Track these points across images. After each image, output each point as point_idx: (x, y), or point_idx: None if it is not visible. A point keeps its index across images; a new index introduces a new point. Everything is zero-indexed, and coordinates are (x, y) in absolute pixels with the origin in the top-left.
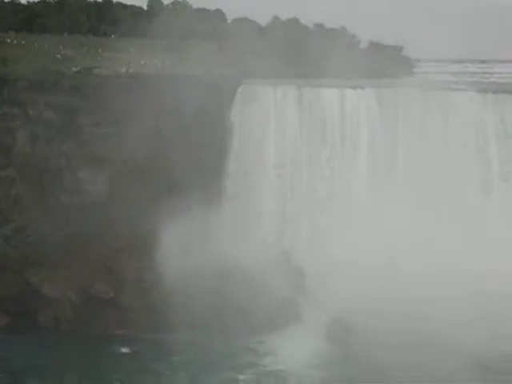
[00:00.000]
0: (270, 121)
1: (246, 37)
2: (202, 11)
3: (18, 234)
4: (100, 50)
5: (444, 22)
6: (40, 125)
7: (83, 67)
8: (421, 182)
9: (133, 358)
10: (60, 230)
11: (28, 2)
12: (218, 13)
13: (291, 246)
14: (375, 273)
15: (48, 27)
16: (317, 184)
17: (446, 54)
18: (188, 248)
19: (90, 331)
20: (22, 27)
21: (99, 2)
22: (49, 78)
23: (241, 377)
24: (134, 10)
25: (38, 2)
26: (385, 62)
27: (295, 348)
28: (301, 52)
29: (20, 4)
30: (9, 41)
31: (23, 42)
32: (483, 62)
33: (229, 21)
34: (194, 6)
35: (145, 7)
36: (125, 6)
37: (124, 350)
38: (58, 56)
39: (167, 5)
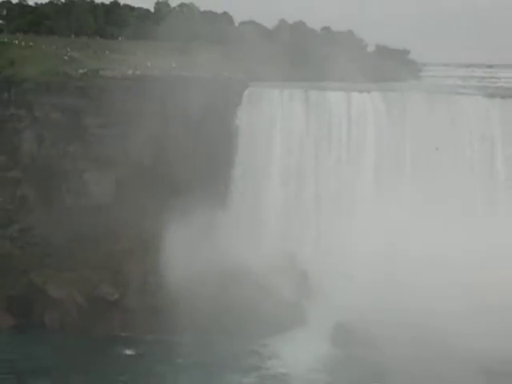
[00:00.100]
0: (276, 123)
1: (252, 40)
2: (209, 14)
3: (24, 234)
4: (107, 52)
5: (451, 26)
6: (46, 126)
7: (90, 69)
8: (427, 186)
9: (137, 360)
10: (65, 231)
11: (36, 3)
12: (225, 16)
13: (296, 250)
14: (380, 275)
15: (55, 29)
16: (323, 187)
17: (452, 58)
18: (193, 251)
19: (94, 333)
20: (29, 29)
21: (106, 5)
22: (56, 79)
23: (244, 380)
24: (141, 13)
25: (46, 3)
26: (391, 66)
27: (299, 351)
28: (307, 55)
29: (28, 6)
30: (16, 42)
31: (31, 43)
32: (490, 66)
33: (236, 24)
34: (201, 9)
35: (152, 9)
36: (132, 9)
37: (128, 351)
38: (65, 58)
39: (174, 7)
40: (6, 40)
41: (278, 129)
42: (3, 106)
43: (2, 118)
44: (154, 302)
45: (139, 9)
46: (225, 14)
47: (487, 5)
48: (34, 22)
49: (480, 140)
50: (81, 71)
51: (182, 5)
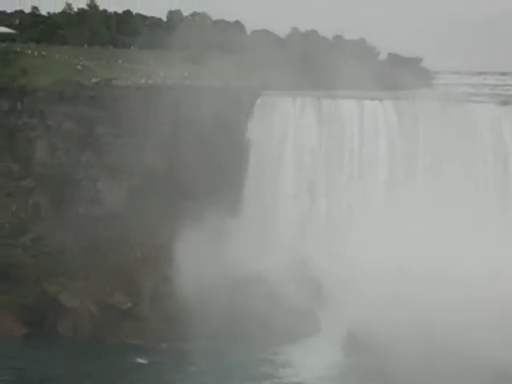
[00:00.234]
0: (288, 130)
1: (264, 48)
2: (222, 23)
3: (37, 243)
4: (120, 61)
5: (463, 34)
6: (59, 135)
7: (103, 78)
8: (440, 194)
9: (149, 368)
10: (78, 240)
11: (48, 13)
12: (238, 25)
13: (310, 257)
14: (391, 288)
15: (68, 39)
16: (335, 194)
17: (465, 65)
18: (205, 259)
19: (107, 341)
20: (42, 38)
21: (119, 14)
22: (68, 88)
23: None
24: (154, 22)
25: (59, 13)
26: (404, 74)
27: (311, 359)
28: (320, 63)
29: (40, 15)
30: (29, 52)
31: (43, 53)
32: (503, 74)
33: (248, 33)
34: (214, 18)
35: (164, 19)
36: (144, 18)
37: (140, 360)
38: (78, 67)
39: (187, 16)
40: (18, 49)
41: (291, 134)
42: (16, 115)
43: (15, 127)
44: (166, 310)
45: (152, 18)
46: (237, 22)
47: (498, 13)
48: (46, 32)
49: (492, 147)
50: (93, 80)
51: (194, 14)
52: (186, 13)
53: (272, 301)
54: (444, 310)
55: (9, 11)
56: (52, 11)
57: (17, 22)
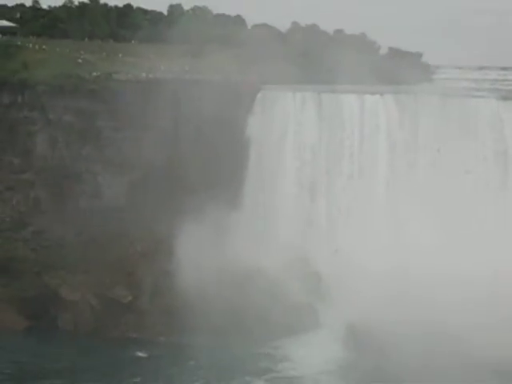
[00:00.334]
0: (288, 124)
1: (265, 43)
2: (222, 17)
3: (37, 237)
4: (120, 55)
5: (464, 28)
6: (60, 129)
7: (103, 72)
8: (441, 190)
9: (149, 362)
10: (79, 233)
11: (49, 7)
12: (238, 19)
13: (310, 251)
14: (393, 278)
15: (69, 32)
16: (336, 188)
17: (465, 60)
18: (205, 253)
19: (107, 334)
20: (43, 32)
21: (120, 8)
22: (69, 82)
23: (256, 382)
24: (155, 16)
25: (60, 7)
26: (404, 69)
27: (311, 353)
28: (320, 58)
29: (41, 9)
30: (30, 45)
31: (44, 46)
32: (504, 68)
33: (248, 27)
34: (214, 12)
35: (165, 12)
36: (145, 12)
37: (141, 353)
38: (79, 61)
39: (187, 10)
40: (19, 43)
41: (292, 128)
42: (17, 109)
43: (16, 120)
44: (166, 304)
45: (152, 12)
46: (238, 16)
47: (499, 7)
48: (47, 26)
49: (493, 142)
50: (94, 74)
51: (195, 8)
52: (186, 7)
53: (271, 295)
54: (444, 310)
55: (10, 5)
56: (53, 5)
57: (18, 15)
